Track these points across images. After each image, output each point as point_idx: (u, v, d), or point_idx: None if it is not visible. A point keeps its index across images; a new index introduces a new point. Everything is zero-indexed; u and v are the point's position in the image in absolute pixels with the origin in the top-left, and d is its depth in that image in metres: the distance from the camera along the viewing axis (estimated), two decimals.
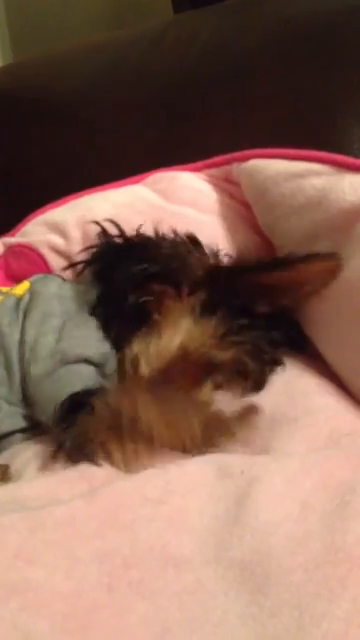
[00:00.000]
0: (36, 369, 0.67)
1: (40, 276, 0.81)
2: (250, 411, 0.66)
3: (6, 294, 0.77)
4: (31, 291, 0.75)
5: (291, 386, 0.69)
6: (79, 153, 1.18)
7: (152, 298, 0.70)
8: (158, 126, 1.12)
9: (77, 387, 0.65)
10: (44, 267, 0.91)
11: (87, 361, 0.68)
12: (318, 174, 0.76)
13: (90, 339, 0.70)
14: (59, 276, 0.83)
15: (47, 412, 0.65)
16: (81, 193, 0.94)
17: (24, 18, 2.04)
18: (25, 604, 0.43)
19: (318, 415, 0.64)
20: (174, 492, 0.52)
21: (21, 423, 0.70)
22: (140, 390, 0.63)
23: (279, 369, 0.71)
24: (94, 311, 0.73)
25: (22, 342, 0.70)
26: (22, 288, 0.77)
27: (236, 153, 0.88)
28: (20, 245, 0.93)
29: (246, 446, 0.62)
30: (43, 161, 1.22)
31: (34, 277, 0.80)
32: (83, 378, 0.66)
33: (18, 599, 0.43)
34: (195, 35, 1.14)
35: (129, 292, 0.70)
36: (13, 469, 0.65)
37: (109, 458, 0.60)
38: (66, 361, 0.67)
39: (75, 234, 0.89)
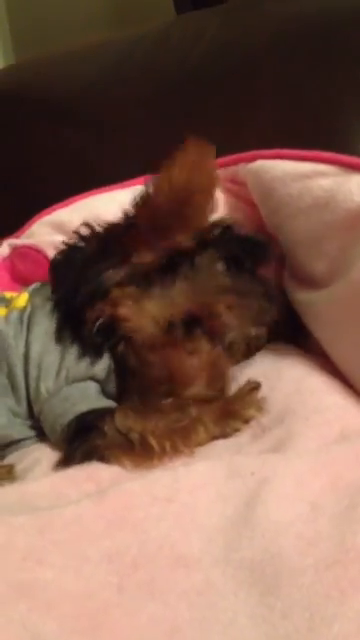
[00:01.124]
0: (45, 387, 0.68)
1: (38, 285, 0.79)
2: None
3: (9, 307, 0.76)
4: (32, 304, 0.75)
5: (300, 385, 0.69)
6: (83, 153, 1.18)
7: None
8: (162, 126, 1.12)
9: (84, 407, 0.66)
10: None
11: (92, 378, 0.69)
12: (325, 175, 0.76)
13: (87, 367, 0.70)
14: None
15: (55, 431, 0.66)
16: (87, 194, 0.94)
17: (26, 19, 2.04)
18: (34, 605, 0.43)
19: (328, 413, 0.64)
20: (182, 490, 0.53)
21: (29, 433, 0.71)
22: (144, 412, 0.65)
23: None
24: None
25: (27, 357, 0.70)
26: (22, 299, 0.76)
27: (243, 153, 0.88)
28: (26, 247, 0.93)
29: (258, 445, 0.62)
30: (47, 161, 1.23)
31: (32, 287, 0.79)
32: (89, 397, 0.67)
33: (27, 600, 0.43)
34: (199, 35, 1.14)
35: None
36: (21, 468, 0.65)
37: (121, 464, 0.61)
38: (72, 379, 0.68)
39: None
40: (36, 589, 0.44)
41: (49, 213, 0.95)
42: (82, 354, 0.69)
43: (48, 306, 0.73)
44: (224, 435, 0.65)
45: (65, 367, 0.68)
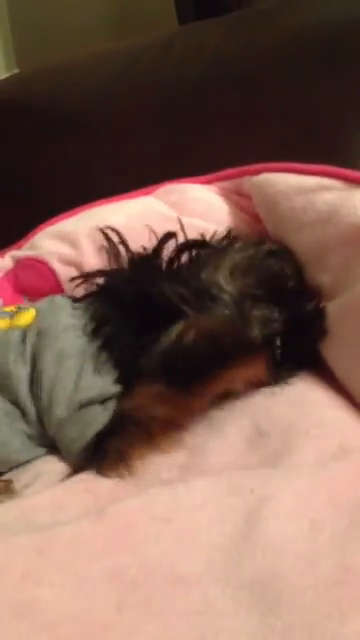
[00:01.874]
0: (58, 412, 0.67)
1: (46, 303, 0.78)
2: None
3: (9, 325, 0.74)
4: (40, 324, 0.72)
5: (303, 398, 0.69)
6: (86, 163, 1.19)
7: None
8: (165, 137, 1.12)
9: (97, 428, 0.66)
10: (54, 281, 0.90)
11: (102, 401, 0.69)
12: (329, 189, 0.76)
13: (107, 385, 0.68)
14: (67, 297, 0.80)
15: (71, 454, 0.66)
16: (92, 204, 0.94)
17: (28, 28, 2.05)
18: (34, 625, 0.43)
19: (329, 427, 0.64)
20: (181, 509, 0.53)
21: (39, 452, 0.70)
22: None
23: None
24: (107, 344, 0.71)
25: (37, 384, 0.68)
26: (27, 317, 0.74)
27: (248, 166, 0.88)
28: (30, 258, 0.93)
29: (255, 455, 0.62)
30: (49, 171, 1.23)
31: (40, 303, 0.77)
32: (100, 419, 0.66)
33: (27, 620, 0.44)
34: (202, 46, 1.14)
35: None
36: (22, 482, 0.65)
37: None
38: (85, 404, 0.67)
39: (86, 244, 0.89)
40: (35, 609, 0.44)
41: (53, 223, 0.95)
42: (108, 380, 0.69)
43: (71, 329, 0.71)
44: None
45: (80, 394, 0.67)
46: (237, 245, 0.76)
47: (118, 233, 0.81)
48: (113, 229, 0.81)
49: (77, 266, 0.89)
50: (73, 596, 0.46)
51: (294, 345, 0.71)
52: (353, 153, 0.96)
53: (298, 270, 0.77)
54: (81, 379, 0.68)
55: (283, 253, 0.77)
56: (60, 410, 0.66)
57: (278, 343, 0.70)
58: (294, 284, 0.75)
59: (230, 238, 0.79)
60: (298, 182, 0.79)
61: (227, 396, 0.69)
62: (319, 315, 0.72)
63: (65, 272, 0.89)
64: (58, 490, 0.61)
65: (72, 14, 1.98)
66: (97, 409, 0.67)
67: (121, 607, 0.45)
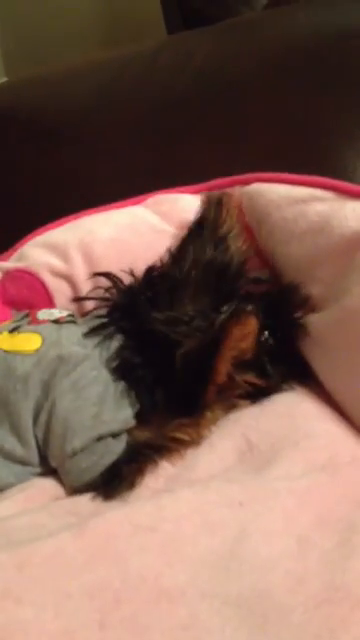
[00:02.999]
0: (75, 443, 0.65)
1: (52, 330, 0.74)
2: None
3: (10, 347, 0.71)
4: (54, 355, 0.69)
5: (292, 410, 0.69)
6: (73, 173, 1.18)
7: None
8: (152, 148, 1.11)
9: (112, 459, 0.65)
10: (44, 293, 0.89)
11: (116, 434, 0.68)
12: (321, 200, 0.76)
13: (128, 419, 0.68)
14: (71, 318, 0.78)
15: (81, 481, 0.64)
16: (80, 214, 0.93)
17: (17, 37, 2.06)
18: None
19: (318, 440, 0.63)
20: (166, 519, 0.52)
21: (30, 477, 0.68)
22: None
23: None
24: (127, 378, 0.70)
25: (48, 413, 0.66)
26: (32, 343, 0.71)
27: (238, 176, 0.88)
28: (19, 270, 0.92)
29: (244, 466, 0.62)
30: (37, 182, 1.22)
31: (44, 330, 0.74)
32: (114, 450, 0.66)
33: None
34: (190, 55, 1.14)
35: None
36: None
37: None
38: (101, 437, 0.66)
39: (76, 256, 0.88)
40: (16, 630, 0.43)
41: (41, 233, 0.94)
42: (129, 415, 0.68)
43: (88, 359, 0.70)
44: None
45: (99, 429, 0.66)
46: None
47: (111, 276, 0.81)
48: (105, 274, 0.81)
49: (67, 279, 0.88)
50: (54, 614, 0.45)
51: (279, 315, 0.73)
52: (343, 164, 0.96)
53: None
54: (102, 412, 0.66)
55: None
56: (77, 441, 0.65)
57: (266, 335, 0.72)
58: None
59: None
60: (289, 192, 0.79)
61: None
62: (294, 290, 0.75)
63: (55, 284, 0.88)
64: (39, 511, 0.60)
65: (61, 24, 2.00)
66: (110, 441, 0.66)
67: (104, 624, 0.44)
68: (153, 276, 0.78)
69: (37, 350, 0.70)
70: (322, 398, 0.70)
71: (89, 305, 0.82)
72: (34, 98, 1.28)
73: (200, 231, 0.79)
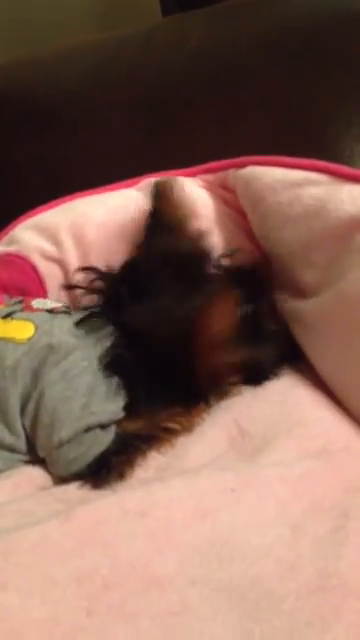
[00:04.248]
0: (62, 434, 0.64)
1: (45, 318, 0.73)
2: None
3: (2, 334, 0.70)
4: (44, 344, 0.68)
5: (286, 397, 0.68)
6: (65, 156, 1.18)
7: None
8: (145, 130, 1.11)
9: (99, 449, 0.64)
10: (35, 277, 0.88)
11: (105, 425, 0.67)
12: (316, 183, 0.75)
13: (118, 410, 0.67)
14: (65, 309, 0.78)
15: (68, 471, 0.64)
16: (72, 196, 0.92)
17: (10, 20, 2.04)
18: (0, 634, 0.41)
19: (312, 427, 0.63)
20: (156, 504, 0.51)
21: (19, 464, 0.68)
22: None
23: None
24: (118, 370, 0.69)
25: (36, 402, 0.65)
26: (25, 331, 0.70)
27: (234, 159, 0.87)
28: (10, 254, 0.91)
29: (236, 453, 0.61)
30: (30, 166, 1.22)
31: (37, 318, 0.73)
32: (102, 441, 0.65)
33: None
34: (184, 38, 1.13)
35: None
36: None
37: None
38: (91, 428, 0.65)
39: (67, 240, 0.87)
40: (1, 617, 0.43)
41: (32, 216, 0.93)
42: (118, 406, 0.67)
43: (79, 349, 0.69)
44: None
45: (91, 413, 0.65)
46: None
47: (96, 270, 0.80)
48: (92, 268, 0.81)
49: (59, 263, 0.87)
50: (41, 601, 0.44)
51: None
52: (340, 149, 0.95)
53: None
54: (91, 403, 0.65)
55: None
56: (65, 432, 0.64)
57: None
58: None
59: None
60: (285, 176, 0.78)
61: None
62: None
63: (47, 268, 0.88)
64: (27, 499, 0.59)
65: (55, 6, 1.98)
66: (98, 432, 0.65)
67: (91, 611, 0.43)
68: (130, 267, 0.77)
69: (29, 339, 0.69)
70: (315, 384, 0.70)
71: (79, 294, 0.82)
72: (28, 79, 1.27)
73: (153, 221, 0.79)
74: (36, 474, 0.64)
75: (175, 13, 1.48)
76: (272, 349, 0.73)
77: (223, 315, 0.65)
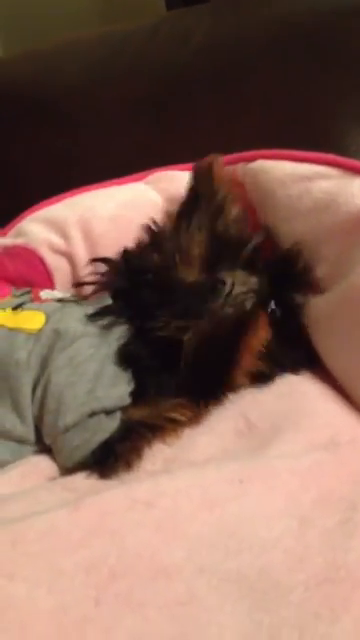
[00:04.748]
0: (67, 419, 0.64)
1: (56, 308, 0.74)
2: None
3: (15, 325, 0.71)
4: (51, 329, 0.69)
5: (293, 389, 0.68)
6: (71, 149, 1.18)
7: None
8: (148, 125, 1.12)
9: (104, 436, 0.64)
10: (42, 270, 0.88)
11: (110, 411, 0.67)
12: (327, 177, 0.75)
13: (124, 396, 0.67)
14: (74, 299, 0.78)
15: (72, 460, 0.64)
16: (80, 189, 0.93)
17: (14, 14, 2.04)
18: (6, 624, 0.42)
19: (319, 419, 0.63)
20: (164, 494, 0.51)
21: (26, 455, 0.68)
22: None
23: None
24: (125, 356, 0.69)
25: (44, 387, 0.66)
26: (36, 321, 0.71)
27: (243, 153, 0.87)
28: (17, 247, 0.91)
29: (243, 444, 0.61)
30: (32, 160, 1.22)
31: (48, 308, 0.74)
32: (107, 427, 0.65)
33: None
34: (189, 33, 1.14)
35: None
36: None
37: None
38: (96, 414, 0.65)
39: (76, 234, 0.87)
40: (8, 607, 0.43)
41: (39, 209, 0.93)
42: (125, 391, 0.67)
43: (87, 336, 0.69)
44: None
45: (93, 404, 0.65)
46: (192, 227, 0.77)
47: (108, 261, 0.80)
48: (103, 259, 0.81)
49: (67, 256, 0.88)
50: (48, 591, 0.44)
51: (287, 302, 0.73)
52: (345, 144, 0.95)
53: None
54: (97, 388, 0.65)
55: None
56: (70, 417, 0.64)
57: (272, 305, 0.72)
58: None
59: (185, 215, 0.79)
60: (294, 170, 0.78)
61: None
62: (304, 270, 0.74)
63: (55, 261, 0.88)
64: (35, 488, 0.59)
65: (59, 1, 1.98)
66: (103, 418, 0.65)
67: (99, 600, 0.43)
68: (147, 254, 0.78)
69: (40, 330, 0.70)
70: (322, 377, 0.70)
71: (88, 289, 0.82)
72: (31, 74, 1.27)
73: (196, 203, 0.79)
74: (44, 465, 0.64)
75: (179, 8, 1.48)
76: (293, 355, 0.73)
77: (264, 325, 0.66)
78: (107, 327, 0.71)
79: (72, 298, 0.78)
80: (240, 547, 0.47)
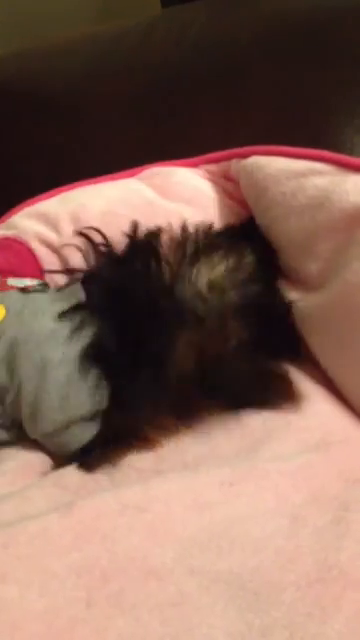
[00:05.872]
0: (44, 427, 0.64)
1: (21, 301, 0.72)
2: None
3: None
4: (17, 331, 0.67)
5: None
6: (67, 146, 1.18)
7: None
8: (145, 121, 1.11)
9: (82, 444, 0.64)
10: (32, 262, 0.88)
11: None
12: (321, 174, 0.75)
13: (100, 401, 0.65)
14: (40, 287, 0.77)
15: (61, 453, 0.65)
16: (73, 185, 0.93)
17: (10, 11, 2.04)
18: None
19: (311, 419, 0.63)
20: (155, 498, 0.52)
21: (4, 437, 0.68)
22: None
23: None
24: (99, 359, 0.67)
25: (16, 393, 0.65)
26: None
27: (237, 149, 0.87)
28: (7, 238, 0.91)
29: (233, 445, 0.61)
30: (29, 157, 1.22)
31: (12, 300, 0.72)
32: (87, 433, 0.65)
33: None
34: (185, 30, 1.14)
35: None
36: None
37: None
38: (73, 422, 0.64)
39: (67, 229, 0.87)
40: (0, 609, 0.43)
41: (30, 204, 0.93)
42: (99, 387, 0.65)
43: (56, 335, 0.67)
44: None
45: (70, 406, 0.64)
46: (216, 256, 0.75)
47: (100, 232, 0.81)
48: (95, 229, 0.81)
49: (57, 251, 0.87)
50: (40, 593, 0.45)
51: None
52: (341, 140, 0.96)
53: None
54: (70, 396, 0.64)
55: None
56: (45, 425, 0.64)
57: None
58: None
59: (210, 237, 0.79)
60: (288, 166, 0.78)
61: None
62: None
63: (44, 253, 0.88)
64: (27, 487, 0.59)
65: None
66: (80, 426, 0.64)
67: (90, 602, 0.44)
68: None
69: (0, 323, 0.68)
70: (313, 376, 0.70)
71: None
72: (29, 71, 1.27)
73: None
74: (35, 460, 0.65)
75: (175, 5, 1.47)
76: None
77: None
78: (79, 327, 0.68)
79: (38, 287, 0.76)
80: (231, 548, 0.47)
